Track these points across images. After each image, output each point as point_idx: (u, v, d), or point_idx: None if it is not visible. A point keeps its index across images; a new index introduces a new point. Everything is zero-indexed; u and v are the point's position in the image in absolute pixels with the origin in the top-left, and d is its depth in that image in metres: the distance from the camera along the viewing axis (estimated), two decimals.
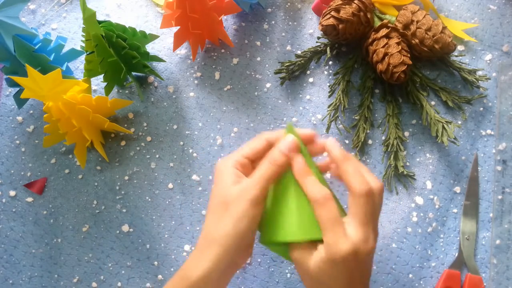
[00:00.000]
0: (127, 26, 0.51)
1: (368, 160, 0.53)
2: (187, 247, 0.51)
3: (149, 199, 0.53)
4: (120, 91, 0.57)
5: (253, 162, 0.41)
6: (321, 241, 0.36)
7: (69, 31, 0.59)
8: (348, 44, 0.57)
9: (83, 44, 0.49)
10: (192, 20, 0.51)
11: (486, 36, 0.57)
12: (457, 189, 0.52)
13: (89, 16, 0.45)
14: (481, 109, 0.54)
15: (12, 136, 0.55)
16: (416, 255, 0.50)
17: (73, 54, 0.55)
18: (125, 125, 0.55)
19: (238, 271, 0.50)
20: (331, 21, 0.51)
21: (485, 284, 0.49)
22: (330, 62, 0.57)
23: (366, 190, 0.36)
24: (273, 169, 0.38)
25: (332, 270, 0.35)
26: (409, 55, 0.51)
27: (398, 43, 0.51)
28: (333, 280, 0.36)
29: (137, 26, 0.58)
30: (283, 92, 0.56)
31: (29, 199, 0.53)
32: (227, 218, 0.37)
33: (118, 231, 0.52)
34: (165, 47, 0.58)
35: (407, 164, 0.53)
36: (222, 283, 0.39)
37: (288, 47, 0.57)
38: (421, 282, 0.50)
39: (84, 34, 0.48)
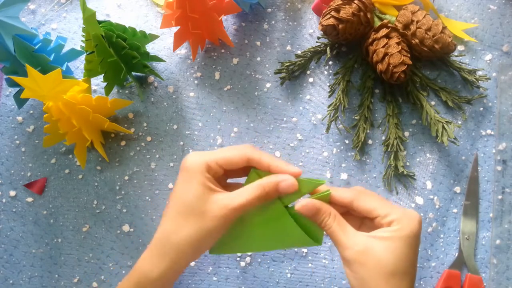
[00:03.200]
0: (127, 26, 0.51)
1: (368, 160, 0.53)
2: None
3: (149, 199, 0.53)
4: (120, 91, 0.57)
5: (224, 172, 0.40)
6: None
7: (69, 31, 0.59)
8: (348, 44, 0.57)
9: (83, 44, 0.49)
10: (192, 20, 0.51)
11: (486, 36, 0.57)
12: (457, 189, 0.52)
13: (89, 16, 0.45)
14: (481, 109, 0.54)
15: (12, 136, 0.55)
16: None
17: (73, 54, 0.55)
18: (125, 125, 0.55)
19: (238, 271, 0.50)
20: (331, 21, 0.51)
21: (485, 284, 0.49)
22: (330, 62, 0.57)
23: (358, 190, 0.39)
24: (262, 197, 0.37)
25: (408, 248, 0.34)
26: (409, 55, 0.51)
27: (398, 43, 0.51)
28: (408, 261, 0.34)
29: (137, 26, 0.58)
30: (283, 92, 0.56)
31: (29, 199, 0.53)
32: (193, 225, 0.37)
33: (118, 231, 0.52)
34: (165, 47, 0.58)
35: (407, 164, 0.53)
36: (173, 281, 0.40)
37: (288, 47, 0.57)
38: (421, 282, 0.50)
39: (84, 34, 0.48)
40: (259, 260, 0.50)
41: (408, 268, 0.33)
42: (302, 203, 0.37)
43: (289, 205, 0.40)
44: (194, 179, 0.38)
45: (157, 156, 0.54)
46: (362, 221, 0.39)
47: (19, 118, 0.56)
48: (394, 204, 0.37)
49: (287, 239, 0.40)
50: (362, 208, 0.37)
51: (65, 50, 0.54)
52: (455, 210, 0.51)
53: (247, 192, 0.37)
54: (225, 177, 0.42)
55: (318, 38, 0.57)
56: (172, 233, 0.38)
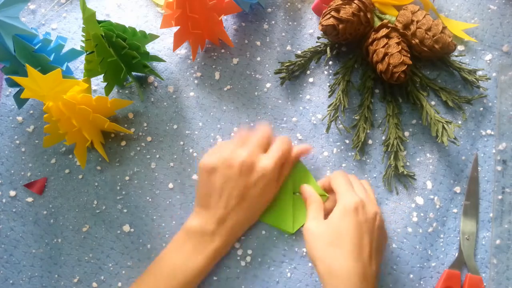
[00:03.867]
0: (127, 26, 0.51)
1: (368, 160, 0.53)
2: None
3: (150, 199, 0.53)
4: (120, 91, 0.57)
5: None
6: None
7: (69, 31, 0.59)
8: (348, 44, 0.57)
9: (83, 44, 0.49)
10: (192, 20, 0.51)
11: (486, 36, 0.57)
12: (457, 189, 0.52)
13: (88, 16, 0.45)
14: (481, 109, 0.54)
15: (12, 136, 0.55)
16: (416, 255, 0.50)
17: (73, 54, 0.55)
18: (125, 125, 0.55)
19: (238, 270, 0.50)
20: (331, 21, 0.51)
21: (485, 284, 0.49)
22: (330, 62, 0.57)
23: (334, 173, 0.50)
24: (283, 154, 0.49)
25: (345, 218, 0.43)
26: (409, 55, 0.51)
27: (398, 43, 0.51)
28: (346, 228, 0.43)
29: (137, 26, 0.58)
30: (283, 92, 0.56)
31: (29, 199, 0.53)
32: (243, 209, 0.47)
33: (118, 231, 0.52)
34: (165, 47, 0.58)
35: (407, 164, 0.53)
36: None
37: (288, 47, 0.57)
38: (421, 282, 0.50)
39: (84, 34, 0.48)
40: (259, 260, 0.51)
41: (341, 239, 0.42)
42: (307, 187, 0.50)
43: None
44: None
45: (157, 156, 0.54)
46: None
47: (19, 118, 0.56)
48: (349, 188, 0.46)
49: (274, 215, 0.50)
50: (333, 188, 0.47)
51: (65, 50, 0.54)
52: (455, 210, 0.51)
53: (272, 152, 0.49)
54: None
55: (318, 38, 0.57)
56: (210, 221, 0.48)
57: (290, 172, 0.51)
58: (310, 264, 0.50)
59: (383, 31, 0.52)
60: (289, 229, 0.50)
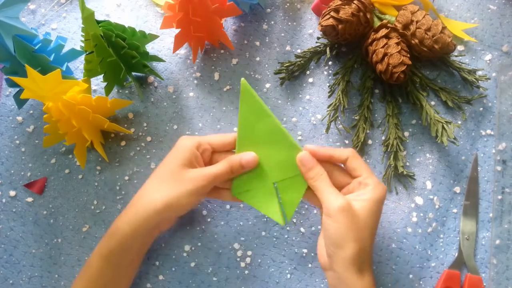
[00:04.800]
0: (126, 26, 0.51)
1: (368, 160, 0.53)
2: (187, 247, 0.51)
3: None
4: (120, 91, 0.57)
5: (213, 152, 0.47)
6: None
7: (69, 31, 0.59)
8: (348, 44, 0.57)
9: (83, 44, 0.49)
10: (194, 23, 0.51)
11: (486, 36, 0.57)
12: (457, 189, 0.52)
13: (87, 16, 0.45)
14: (481, 109, 0.54)
15: (12, 136, 0.55)
16: (416, 255, 0.50)
17: (73, 54, 0.55)
18: (125, 125, 0.55)
19: (238, 271, 0.50)
20: (331, 21, 0.51)
21: (485, 284, 0.49)
22: (330, 62, 0.57)
23: (352, 149, 0.46)
24: (228, 171, 0.45)
25: (376, 212, 0.42)
26: (408, 55, 0.51)
27: (397, 43, 0.51)
28: (376, 221, 0.42)
29: (137, 26, 0.58)
30: (282, 92, 0.56)
31: (29, 199, 0.53)
32: (169, 187, 0.43)
33: None
34: (164, 47, 0.58)
35: (407, 164, 0.53)
36: (147, 242, 0.47)
37: (288, 48, 0.57)
38: (421, 282, 0.50)
39: (83, 34, 0.48)
40: (259, 260, 0.51)
41: (375, 223, 0.42)
42: (303, 155, 0.44)
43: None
44: (181, 153, 0.45)
45: (157, 156, 0.54)
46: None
47: (19, 118, 0.56)
48: (372, 172, 0.44)
49: (263, 204, 0.46)
50: (351, 167, 0.44)
51: (65, 50, 0.54)
52: (455, 210, 0.51)
53: (217, 166, 0.45)
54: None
55: (318, 38, 0.57)
56: (150, 191, 0.44)
57: (264, 133, 0.45)
58: (310, 265, 0.50)
59: (383, 31, 0.52)
60: (279, 220, 0.45)
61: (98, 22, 0.48)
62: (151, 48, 0.58)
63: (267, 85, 0.56)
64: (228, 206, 0.52)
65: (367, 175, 0.43)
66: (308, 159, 0.44)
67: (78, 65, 0.58)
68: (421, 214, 0.51)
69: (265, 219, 0.52)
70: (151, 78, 0.57)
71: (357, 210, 0.41)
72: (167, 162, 0.45)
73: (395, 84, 0.53)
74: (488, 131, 0.54)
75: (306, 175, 0.44)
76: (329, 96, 0.55)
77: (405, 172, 0.52)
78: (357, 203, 0.42)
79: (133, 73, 0.56)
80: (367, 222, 0.41)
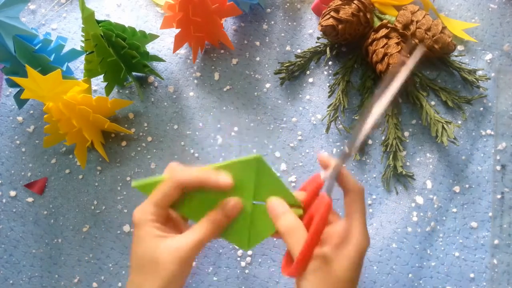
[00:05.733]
0: (126, 26, 0.51)
1: (367, 160, 0.53)
2: None
3: None
4: (120, 91, 0.57)
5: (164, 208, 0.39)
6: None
7: (69, 31, 0.59)
8: (348, 44, 0.57)
9: (83, 44, 0.49)
10: (194, 23, 0.51)
11: (486, 36, 0.57)
12: (457, 188, 0.52)
13: (87, 16, 0.45)
14: (481, 109, 0.54)
15: (12, 136, 0.55)
16: (416, 255, 0.50)
17: (74, 54, 0.55)
18: (126, 125, 0.55)
19: (238, 271, 0.50)
20: (331, 21, 0.51)
21: (484, 283, 0.49)
22: (330, 62, 0.57)
23: (362, 188, 0.38)
24: (215, 230, 0.38)
25: (358, 264, 0.37)
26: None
27: (397, 43, 0.51)
28: (357, 274, 0.37)
29: (137, 26, 0.58)
30: (283, 92, 0.56)
31: (29, 199, 0.53)
32: (152, 278, 0.36)
33: (118, 231, 0.52)
34: (165, 47, 0.58)
35: (407, 164, 0.53)
36: None
37: (288, 47, 0.57)
38: (421, 282, 0.50)
39: (83, 34, 0.48)
40: (259, 260, 0.51)
41: (355, 279, 0.37)
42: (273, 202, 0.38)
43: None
44: (142, 232, 0.38)
45: (158, 156, 0.54)
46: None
47: (19, 118, 0.56)
48: (362, 218, 0.38)
49: (228, 229, 0.40)
50: (349, 203, 0.38)
51: (65, 50, 0.54)
52: (454, 210, 0.51)
53: (197, 231, 0.38)
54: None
55: (318, 38, 0.57)
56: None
57: (252, 177, 0.39)
58: None
59: (383, 31, 0.52)
60: (243, 246, 0.40)
61: (98, 22, 0.48)
62: (151, 48, 0.58)
63: (267, 85, 0.56)
64: None
65: (358, 223, 0.37)
66: (277, 207, 0.38)
67: (78, 65, 0.58)
68: (421, 214, 0.51)
69: None
70: (151, 78, 0.57)
71: (333, 267, 0.36)
72: (135, 249, 0.38)
73: None
74: (488, 131, 0.54)
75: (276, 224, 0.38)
76: (329, 96, 0.55)
77: (404, 172, 0.52)
78: (336, 258, 0.36)
79: (133, 73, 0.56)
80: (345, 281, 0.36)
